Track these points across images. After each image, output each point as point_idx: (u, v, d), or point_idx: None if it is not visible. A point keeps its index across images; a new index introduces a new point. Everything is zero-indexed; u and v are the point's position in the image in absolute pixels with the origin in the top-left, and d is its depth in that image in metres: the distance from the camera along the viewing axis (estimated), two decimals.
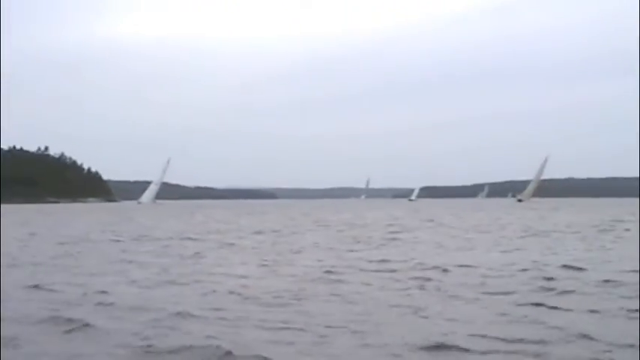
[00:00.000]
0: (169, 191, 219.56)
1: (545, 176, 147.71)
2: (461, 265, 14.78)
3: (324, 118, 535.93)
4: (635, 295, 10.26)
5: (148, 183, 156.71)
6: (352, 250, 19.64)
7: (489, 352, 7.00)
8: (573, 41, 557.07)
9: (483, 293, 10.88)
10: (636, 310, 8.97)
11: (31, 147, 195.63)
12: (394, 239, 24.47)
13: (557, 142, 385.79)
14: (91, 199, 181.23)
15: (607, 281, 12.02)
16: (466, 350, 7.06)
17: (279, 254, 18.63)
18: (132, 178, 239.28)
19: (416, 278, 12.74)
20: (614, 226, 32.84)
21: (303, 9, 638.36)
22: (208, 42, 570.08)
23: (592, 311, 9.24)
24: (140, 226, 38.88)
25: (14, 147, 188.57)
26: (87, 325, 8.40)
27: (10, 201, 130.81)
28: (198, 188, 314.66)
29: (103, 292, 11.30)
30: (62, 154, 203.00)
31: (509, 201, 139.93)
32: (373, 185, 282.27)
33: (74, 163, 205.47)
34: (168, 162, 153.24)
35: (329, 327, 8.19)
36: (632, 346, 7.11)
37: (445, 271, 13.84)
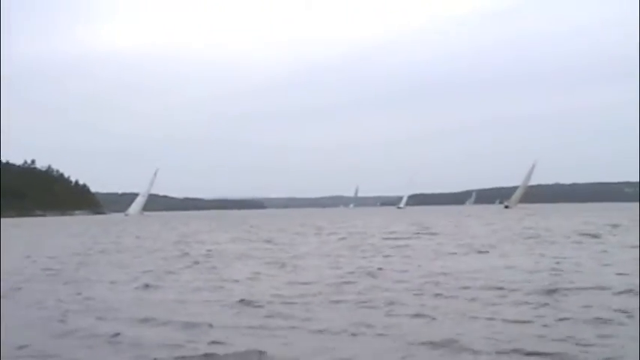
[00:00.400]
0: (157, 202, 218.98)
1: (533, 182, 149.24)
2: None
3: (313, 128, 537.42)
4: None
5: (137, 195, 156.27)
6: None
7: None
8: (574, 47, 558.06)
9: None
10: None
11: (18, 160, 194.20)
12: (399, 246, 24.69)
13: (553, 148, 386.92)
14: (78, 211, 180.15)
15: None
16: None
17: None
18: (120, 190, 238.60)
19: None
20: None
21: (285, 22, 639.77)
22: (195, 52, 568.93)
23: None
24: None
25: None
26: None
27: None
28: (186, 199, 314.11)
29: None
30: (49, 167, 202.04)
31: (496, 207, 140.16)
32: (361, 194, 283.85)
33: (61, 175, 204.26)
34: (155, 173, 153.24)
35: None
36: None
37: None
